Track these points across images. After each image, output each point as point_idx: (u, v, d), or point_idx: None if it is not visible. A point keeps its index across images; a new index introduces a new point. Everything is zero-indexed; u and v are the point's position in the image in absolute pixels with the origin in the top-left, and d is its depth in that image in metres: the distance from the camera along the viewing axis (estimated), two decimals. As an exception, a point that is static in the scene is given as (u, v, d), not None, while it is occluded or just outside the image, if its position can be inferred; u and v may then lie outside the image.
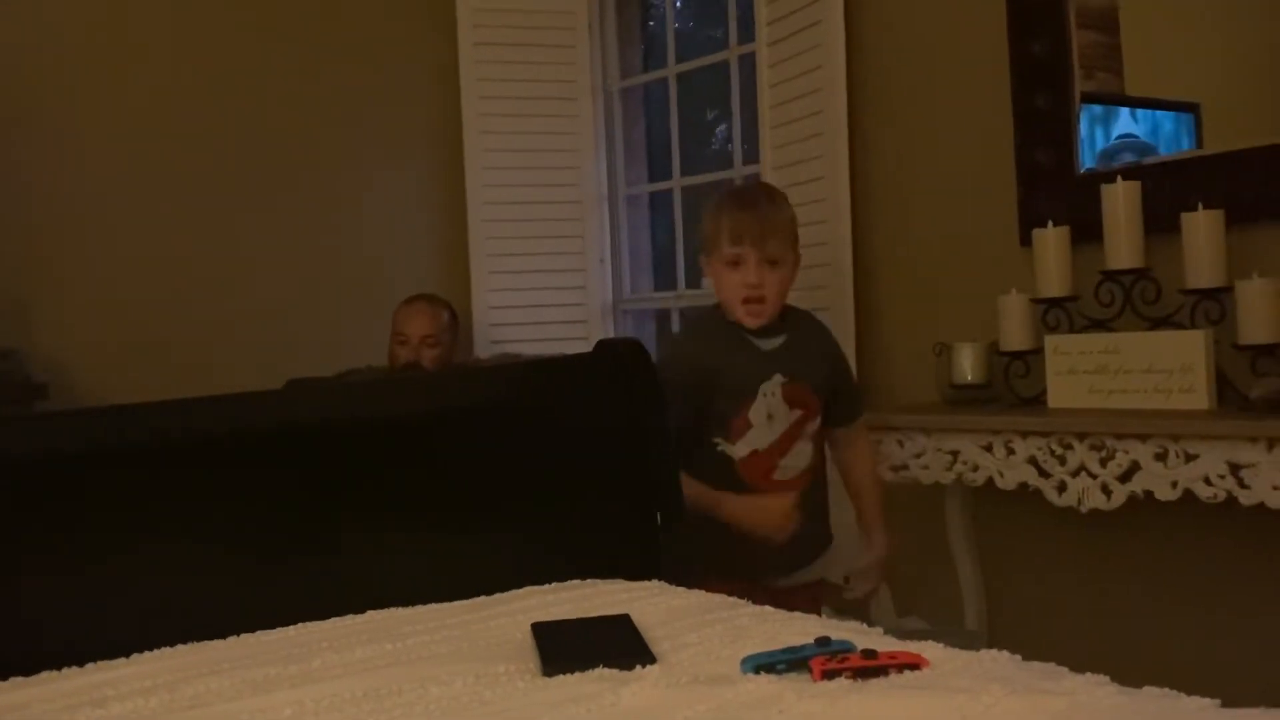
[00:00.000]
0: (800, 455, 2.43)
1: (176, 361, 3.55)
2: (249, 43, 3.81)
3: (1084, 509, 2.40)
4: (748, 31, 3.54)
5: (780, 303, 2.43)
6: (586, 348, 2.35)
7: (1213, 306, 2.38)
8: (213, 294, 3.74)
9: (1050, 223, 2.61)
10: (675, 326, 3.98)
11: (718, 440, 2.38)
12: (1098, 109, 2.80)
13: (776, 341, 2.44)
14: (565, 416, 2.10)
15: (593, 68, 4.02)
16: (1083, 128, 2.77)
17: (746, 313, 2.39)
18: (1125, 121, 2.81)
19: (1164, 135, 2.78)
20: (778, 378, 2.40)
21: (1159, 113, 2.81)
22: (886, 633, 1.62)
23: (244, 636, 1.67)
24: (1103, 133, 2.81)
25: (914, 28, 3.10)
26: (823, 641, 1.41)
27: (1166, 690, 1.26)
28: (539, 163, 3.99)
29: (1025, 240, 2.74)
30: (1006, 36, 2.83)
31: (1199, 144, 2.65)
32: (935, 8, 3.05)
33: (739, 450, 2.39)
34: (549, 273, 3.99)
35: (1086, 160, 2.76)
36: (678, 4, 4.11)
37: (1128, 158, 2.71)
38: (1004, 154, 2.87)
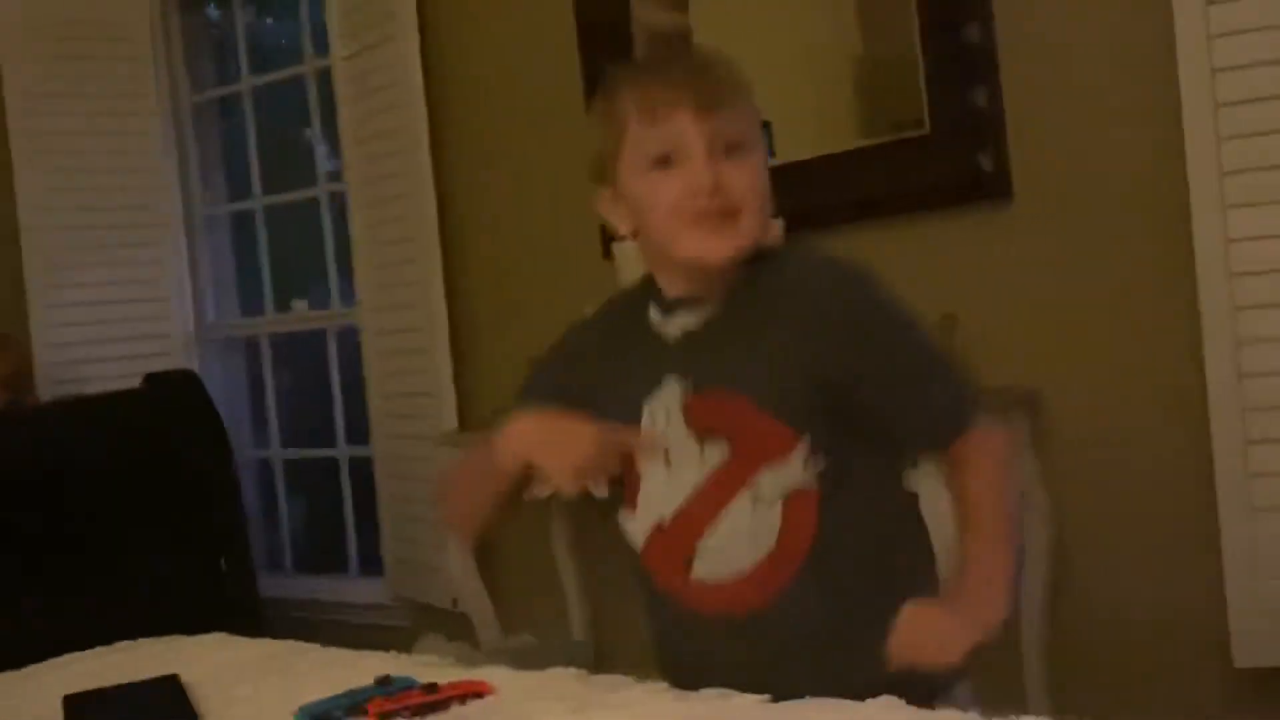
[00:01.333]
0: (741, 533, 1.28)
1: None
2: None
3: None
4: (324, 43, 3.41)
5: (763, 218, 1.29)
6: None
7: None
8: None
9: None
10: (265, 353, 3.78)
11: (621, 512, 1.38)
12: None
13: (696, 316, 1.33)
14: (120, 458, 1.93)
15: (159, 81, 3.75)
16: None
17: (711, 237, 1.27)
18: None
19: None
20: (673, 385, 1.32)
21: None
22: (487, 653, 1.56)
23: None
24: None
25: (489, 45, 3.09)
26: (384, 681, 1.33)
27: (721, 690, 1.27)
28: (106, 183, 3.69)
29: (607, 252, 2.78)
30: (578, 55, 2.87)
31: (773, 158, 2.77)
32: (509, 28, 3.06)
33: (637, 527, 1.36)
34: (123, 303, 3.69)
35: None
36: (250, 17, 3.91)
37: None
38: (582, 171, 2.90)
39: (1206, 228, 2.08)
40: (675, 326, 1.34)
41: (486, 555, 2.92)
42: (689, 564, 1.31)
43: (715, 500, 1.29)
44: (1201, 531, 2.14)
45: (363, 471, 3.55)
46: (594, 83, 2.84)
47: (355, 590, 3.52)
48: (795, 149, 2.65)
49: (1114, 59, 2.28)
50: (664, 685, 1.29)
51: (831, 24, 2.62)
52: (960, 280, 2.46)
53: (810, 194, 2.57)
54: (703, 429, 1.29)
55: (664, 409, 1.32)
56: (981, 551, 1.29)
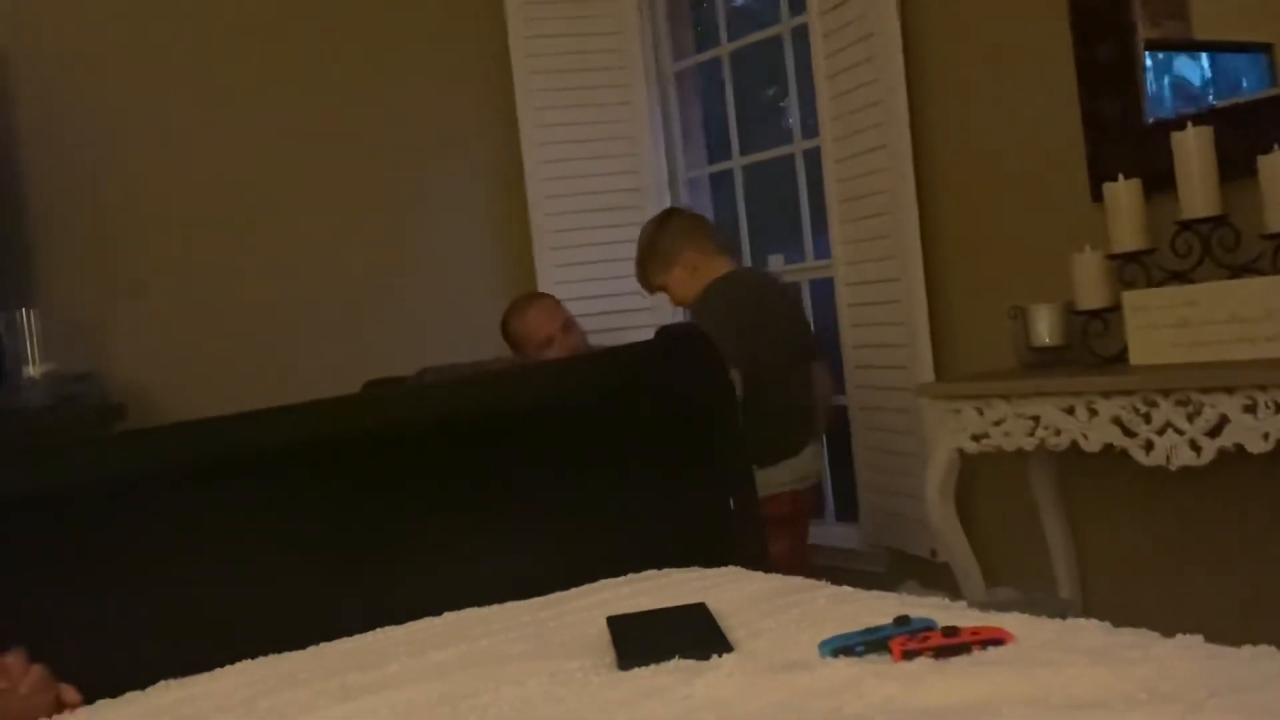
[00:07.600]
0: None
1: (255, 372, 3.59)
2: (307, 49, 3.86)
3: (1173, 467, 2.32)
4: (800, 3, 3.48)
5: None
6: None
7: (1296, 250, 2.29)
8: (286, 301, 3.79)
9: (1120, 175, 2.53)
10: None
11: None
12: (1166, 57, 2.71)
13: None
14: (631, 405, 2.09)
15: (644, 51, 3.99)
16: (1154, 76, 2.68)
17: None
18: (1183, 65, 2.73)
19: (1228, 79, 2.68)
20: None
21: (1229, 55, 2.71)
22: (971, 605, 1.58)
23: (321, 646, 1.68)
24: (1169, 80, 2.72)
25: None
26: (902, 621, 1.38)
27: (1262, 648, 1.21)
28: (597, 151, 3.97)
29: (1096, 195, 2.66)
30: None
31: (1274, 84, 2.54)
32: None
33: None
34: (612, 262, 3.95)
35: (1155, 109, 2.67)
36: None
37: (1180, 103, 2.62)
38: (1069, 108, 2.78)
39: None
40: None
41: (966, 506, 2.90)
42: None
43: None
44: None
45: (838, 420, 3.62)
46: (1082, 17, 2.72)
47: (832, 535, 3.61)
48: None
49: None
50: (1198, 639, 1.24)
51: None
52: None
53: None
54: None
55: None
56: None
